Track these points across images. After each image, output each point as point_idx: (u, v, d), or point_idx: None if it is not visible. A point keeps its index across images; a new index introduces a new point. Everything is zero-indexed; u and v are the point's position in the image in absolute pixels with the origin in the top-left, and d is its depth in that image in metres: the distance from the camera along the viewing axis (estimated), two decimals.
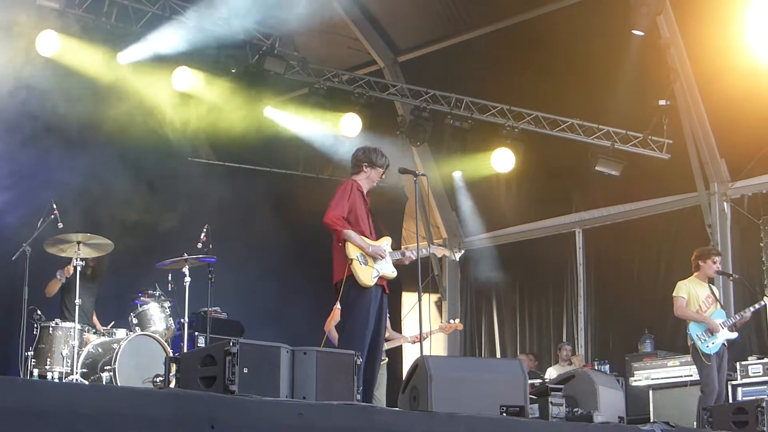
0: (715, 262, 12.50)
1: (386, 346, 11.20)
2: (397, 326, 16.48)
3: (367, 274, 9.40)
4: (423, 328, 9.76)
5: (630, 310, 16.85)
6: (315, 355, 7.45)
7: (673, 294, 12.45)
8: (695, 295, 12.36)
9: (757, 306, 12.57)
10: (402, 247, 11.23)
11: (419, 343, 9.94)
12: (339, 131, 16.45)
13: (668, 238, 16.73)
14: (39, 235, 11.70)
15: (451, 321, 13.44)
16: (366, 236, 9.57)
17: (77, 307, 11.36)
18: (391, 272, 9.68)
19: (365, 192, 9.77)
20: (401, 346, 14.03)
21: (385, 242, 9.75)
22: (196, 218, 13.26)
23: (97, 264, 12.59)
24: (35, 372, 11.23)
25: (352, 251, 9.39)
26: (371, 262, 9.47)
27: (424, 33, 17.35)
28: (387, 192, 17.33)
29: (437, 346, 18.45)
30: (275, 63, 15.19)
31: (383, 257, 9.57)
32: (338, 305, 11.62)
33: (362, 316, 9.35)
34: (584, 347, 17.44)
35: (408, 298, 17.28)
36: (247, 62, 15.10)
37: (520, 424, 7.79)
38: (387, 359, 12.02)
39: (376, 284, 9.49)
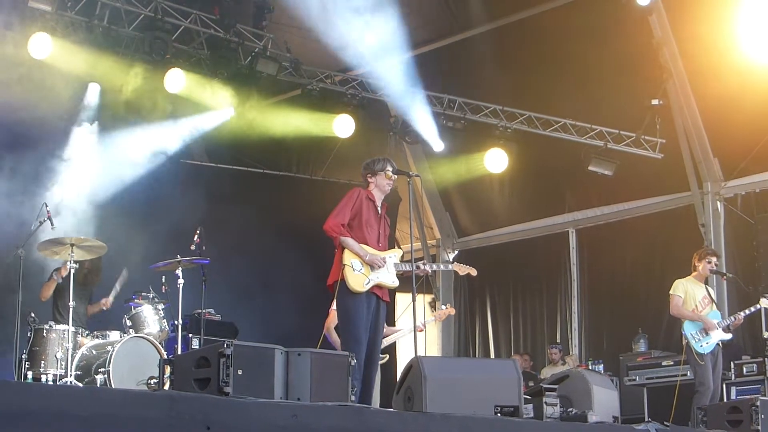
0: (710, 262, 12.51)
1: (385, 342, 11.23)
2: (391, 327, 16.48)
3: (358, 281, 9.51)
4: (417, 320, 9.85)
5: (624, 309, 16.87)
6: (309, 357, 7.45)
7: (670, 292, 12.44)
8: (692, 294, 12.37)
9: (752, 309, 12.57)
10: (396, 246, 11.25)
11: (414, 343, 9.99)
12: (332, 132, 16.44)
13: (662, 237, 16.74)
14: (32, 238, 11.68)
15: (443, 307, 13.37)
16: (370, 244, 9.68)
17: (71, 310, 11.35)
18: (392, 282, 9.80)
19: (378, 200, 9.88)
20: (395, 346, 14.04)
21: (393, 253, 9.87)
22: (189, 220, 13.24)
23: (92, 271, 12.58)
24: (29, 375, 11.21)
25: (347, 258, 9.54)
26: (367, 270, 9.57)
27: (416, 34, 17.34)
28: None
29: (431, 347, 18.45)
30: (268, 64, 15.17)
31: (380, 266, 9.65)
32: (333, 307, 11.74)
33: (355, 319, 9.49)
34: (578, 347, 17.45)
35: (402, 299, 17.28)
36: (239, 64, 15.09)
37: (515, 424, 7.80)
38: (387, 356, 12.05)
39: (369, 292, 9.58)
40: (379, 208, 9.91)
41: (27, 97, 13.40)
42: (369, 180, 9.99)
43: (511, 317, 18.62)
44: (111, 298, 12.63)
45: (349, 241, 9.57)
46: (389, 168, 10.03)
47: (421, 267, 10.10)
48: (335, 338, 11.73)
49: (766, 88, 14.46)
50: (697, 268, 12.57)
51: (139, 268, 13.01)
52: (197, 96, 15.27)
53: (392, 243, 10.09)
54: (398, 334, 12.87)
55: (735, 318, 12.41)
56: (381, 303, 9.74)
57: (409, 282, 9.72)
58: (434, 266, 10.11)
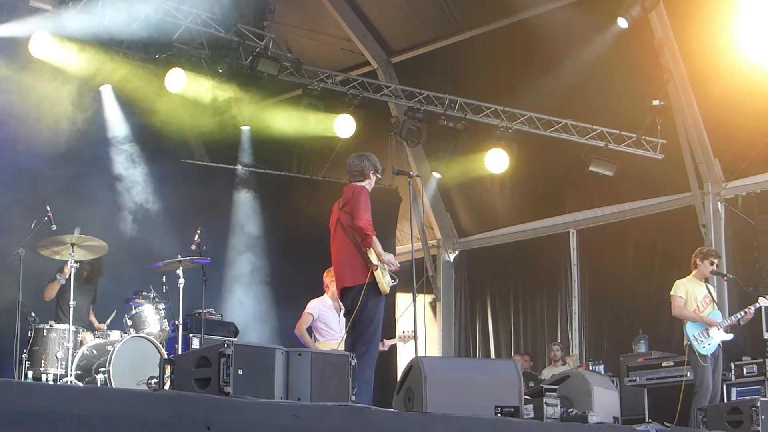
0: (712, 263, 12.51)
1: None
2: (391, 327, 16.49)
3: (386, 282, 9.54)
4: (396, 333, 9.83)
5: (624, 310, 16.85)
6: (309, 357, 7.46)
7: (671, 293, 12.42)
8: (693, 294, 12.36)
9: (752, 308, 12.56)
10: (397, 248, 11.25)
11: (414, 343, 10.01)
12: (333, 132, 16.43)
13: (662, 238, 16.72)
14: (33, 237, 11.68)
15: (405, 331, 13.23)
16: None
17: (72, 309, 11.35)
18: (392, 281, 9.77)
19: None
20: (395, 345, 14.05)
21: None
22: (189, 220, 13.25)
23: (94, 267, 12.59)
24: (30, 374, 11.23)
25: (374, 258, 9.46)
26: (384, 270, 9.55)
27: (417, 34, 17.36)
28: (381, 193, 17.34)
29: (432, 347, 18.45)
30: (269, 64, 15.18)
31: (394, 265, 9.68)
32: (307, 310, 11.77)
33: (380, 321, 9.57)
34: (579, 348, 17.43)
35: (402, 299, 17.29)
36: (240, 64, 15.10)
37: (515, 424, 7.80)
38: None
39: None
40: None
41: (28, 96, 13.42)
42: (370, 176, 9.89)
43: (511, 318, 18.59)
44: (105, 328, 12.56)
45: (376, 240, 9.53)
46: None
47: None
48: (308, 340, 11.75)
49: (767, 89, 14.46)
50: (697, 267, 12.55)
51: (139, 268, 13.01)
52: (198, 95, 15.28)
53: None
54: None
55: (738, 317, 12.40)
56: None
57: (409, 282, 9.71)
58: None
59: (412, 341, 13.87)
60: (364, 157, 9.99)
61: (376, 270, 9.40)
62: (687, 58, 15.26)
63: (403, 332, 13.02)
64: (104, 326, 12.38)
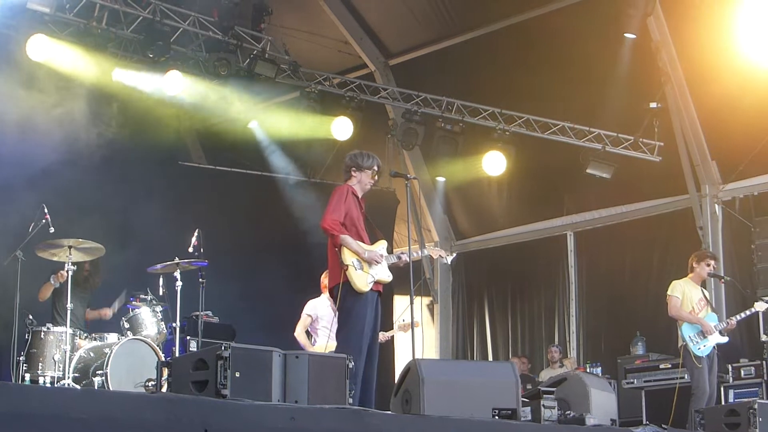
0: (708, 265, 12.52)
1: None
2: (388, 329, 16.50)
3: (362, 280, 9.42)
4: (387, 330, 9.79)
5: (622, 312, 16.85)
6: (307, 359, 7.46)
7: (668, 293, 12.42)
8: (689, 296, 12.37)
9: (747, 312, 12.59)
10: (395, 250, 11.24)
11: (412, 345, 10.00)
12: (331, 135, 16.43)
13: (660, 240, 16.73)
14: (30, 239, 11.67)
15: (404, 320, 13.22)
16: (362, 240, 9.60)
17: (69, 312, 11.34)
18: (387, 276, 9.72)
19: (360, 196, 9.80)
20: (393, 347, 14.05)
21: (381, 246, 9.80)
22: (187, 222, 13.24)
23: (92, 273, 12.59)
24: (27, 377, 11.20)
25: (348, 257, 9.40)
26: (366, 268, 9.49)
27: (414, 36, 17.35)
28: (378, 195, 17.34)
29: (429, 349, 18.45)
30: (266, 67, 15.19)
31: (379, 262, 9.60)
32: (305, 312, 11.81)
33: (359, 322, 9.39)
34: (576, 350, 17.44)
35: (400, 301, 17.28)
36: (238, 66, 15.10)
37: (513, 427, 7.81)
38: None
39: (371, 290, 9.52)
40: (361, 204, 9.82)
41: (25, 99, 13.42)
42: (353, 174, 9.81)
43: (509, 320, 18.60)
44: (110, 313, 12.62)
45: (348, 239, 9.43)
46: (376, 167, 9.92)
47: (403, 258, 10.00)
48: (305, 342, 11.80)
49: (765, 91, 14.46)
50: (694, 270, 12.56)
51: (137, 270, 13.00)
52: (195, 98, 15.28)
53: (373, 235, 9.92)
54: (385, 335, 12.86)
55: (728, 322, 12.42)
56: (378, 298, 9.69)
57: (407, 284, 9.69)
58: (413, 255, 9.96)
59: (448, 333, 13.87)
60: (348, 155, 9.96)
61: (346, 270, 9.34)
62: (684, 60, 15.27)
63: (403, 320, 13.04)
64: (109, 310, 12.41)
